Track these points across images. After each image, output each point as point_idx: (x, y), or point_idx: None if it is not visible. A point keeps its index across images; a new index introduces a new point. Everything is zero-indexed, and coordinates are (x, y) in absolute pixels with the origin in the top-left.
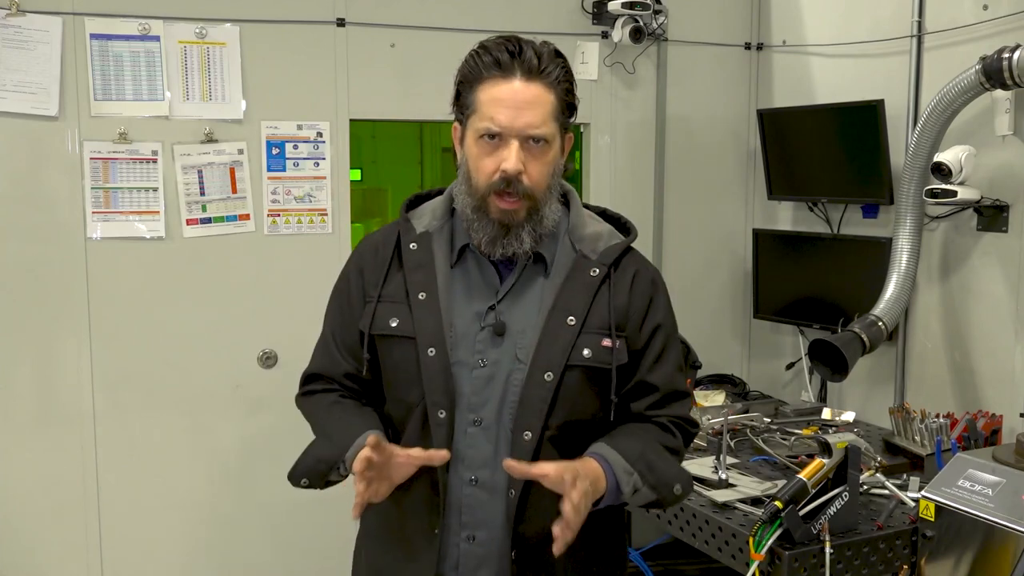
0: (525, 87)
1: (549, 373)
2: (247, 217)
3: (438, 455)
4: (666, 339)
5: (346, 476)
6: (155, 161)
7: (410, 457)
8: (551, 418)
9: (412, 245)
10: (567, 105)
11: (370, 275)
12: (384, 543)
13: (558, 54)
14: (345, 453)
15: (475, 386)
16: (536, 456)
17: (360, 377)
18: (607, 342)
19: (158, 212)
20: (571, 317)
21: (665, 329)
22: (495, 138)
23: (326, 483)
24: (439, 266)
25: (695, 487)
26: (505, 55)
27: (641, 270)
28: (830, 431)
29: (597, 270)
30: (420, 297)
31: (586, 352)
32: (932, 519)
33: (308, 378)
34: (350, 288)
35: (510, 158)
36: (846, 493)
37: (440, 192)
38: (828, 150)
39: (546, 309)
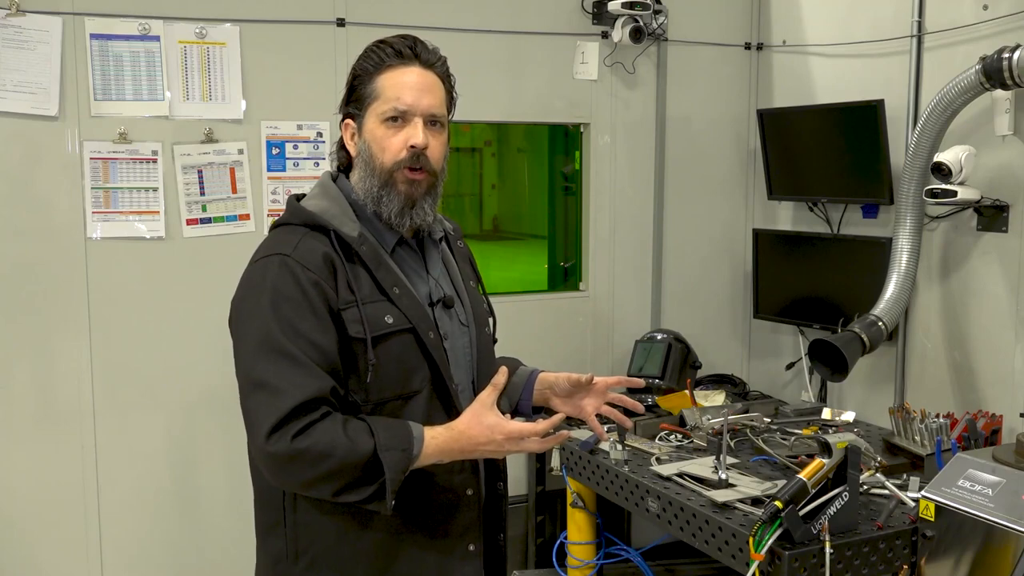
0: (423, 74)
1: (487, 328)
2: (247, 217)
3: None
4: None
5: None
6: (155, 161)
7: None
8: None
9: (363, 248)
10: (451, 99)
11: (330, 284)
12: (415, 529)
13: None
14: (412, 438)
15: (452, 357)
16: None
17: (339, 393)
18: (482, 295)
19: (158, 212)
20: (471, 281)
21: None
22: (398, 120)
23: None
24: (388, 261)
25: (695, 487)
26: (404, 47)
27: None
28: (830, 431)
29: (461, 243)
30: (395, 291)
31: (485, 306)
32: (932, 519)
33: (296, 410)
34: (311, 303)
35: (417, 134)
36: (846, 493)
37: (302, 196)
38: (828, 150)
39: (457, 277)
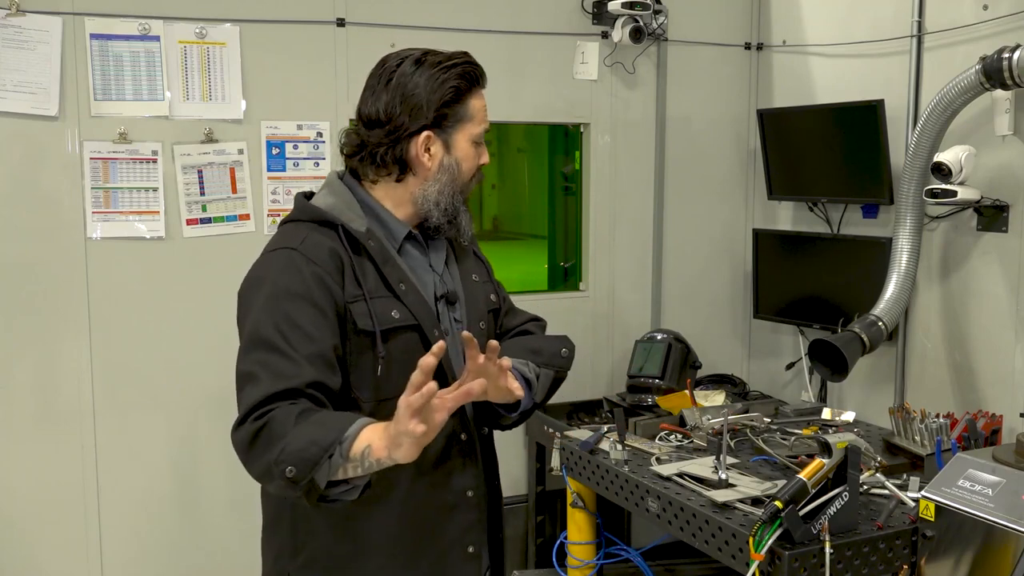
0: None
1: (482, 322)
2: (247, 217)
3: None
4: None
5: (334, 475)
6: (155, 161)
7: (444, 398)
8: None
9: (371, 243)
10: None
11: (336, 279)
12: (406, 536)
13: None
14: (345, 432)
15: (453, 354)
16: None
17: (327, 386)
18: (492, 286)
19: (158, 212)
20: (474, 275)
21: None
22: (480, 143)
23: (310, 484)
24: (395, 257)
25: (695, 487)
26: (475, 72)
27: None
28: (830, 431)
29: (464, 240)
30: (402, 288)
31: (492, 297)
32: (932, 519)
33: (262, 402)
34: (312, 296)
35: (486, 153)
36: (846, 493)
37: (310, 194)
38: (828, 150)
39: (457, 274)
